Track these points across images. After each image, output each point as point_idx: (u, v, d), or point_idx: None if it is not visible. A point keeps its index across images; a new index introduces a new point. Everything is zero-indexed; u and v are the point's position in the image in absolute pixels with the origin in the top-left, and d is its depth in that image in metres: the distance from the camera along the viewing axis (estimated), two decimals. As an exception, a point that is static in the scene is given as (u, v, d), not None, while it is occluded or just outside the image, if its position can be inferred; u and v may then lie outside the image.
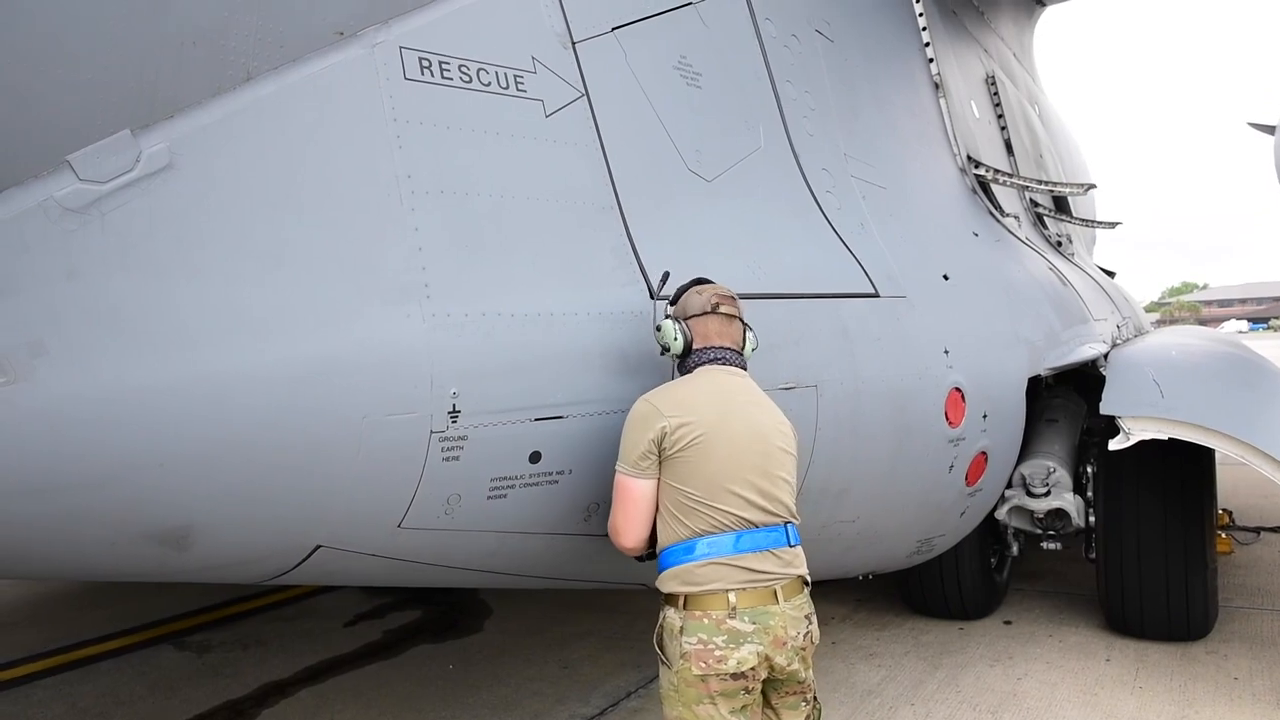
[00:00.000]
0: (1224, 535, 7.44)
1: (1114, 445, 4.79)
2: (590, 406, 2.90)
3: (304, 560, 2.64)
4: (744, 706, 2.73)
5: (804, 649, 2.81)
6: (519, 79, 3.04)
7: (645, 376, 3.05)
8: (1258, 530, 7.84)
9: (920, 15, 6.32)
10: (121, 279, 2.21)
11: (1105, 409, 4.91)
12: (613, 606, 6.33)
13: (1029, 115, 10.20)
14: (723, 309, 2.97)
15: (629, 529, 2.81)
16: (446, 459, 2.62)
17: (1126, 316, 9.53)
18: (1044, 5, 11.64)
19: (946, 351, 4.44)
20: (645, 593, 5.06)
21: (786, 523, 2.83)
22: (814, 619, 2.87)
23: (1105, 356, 5.78)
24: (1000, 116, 8.43)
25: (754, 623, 2.68)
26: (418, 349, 2.55)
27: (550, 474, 2.87)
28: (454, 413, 2.59)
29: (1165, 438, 4.72)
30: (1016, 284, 5.87)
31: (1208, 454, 5.07)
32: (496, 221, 2.84)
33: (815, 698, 2.97)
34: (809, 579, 2.89)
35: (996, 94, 8.47)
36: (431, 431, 2.57)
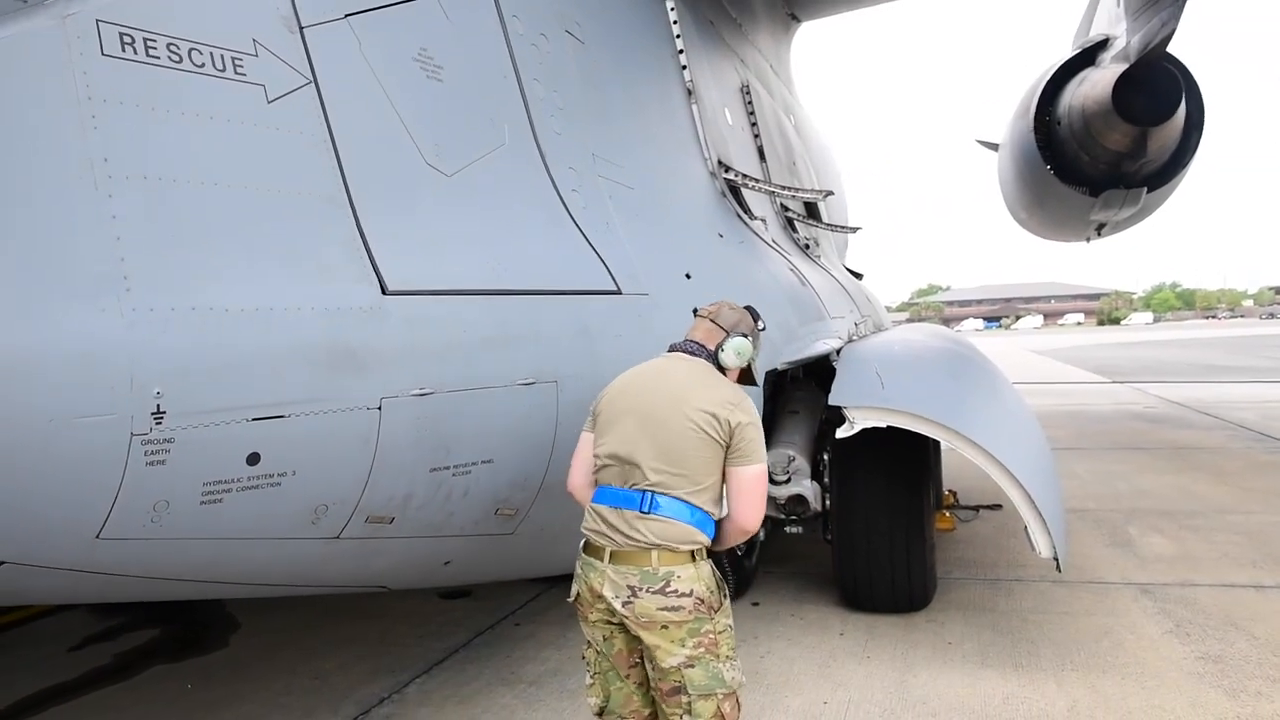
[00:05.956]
0: (948, 514, 8.18)
1: (840, 433, 5.16)
2: (315, 405, 2.80)
3: (-17, 579, 2.41)
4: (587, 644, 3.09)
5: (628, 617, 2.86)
6: (238, 62, 2.90)
7: (376, 373, 2.98)
8: (977, 508, 8.64)
9: (675, 24, 6.55)
10: None
11: (833, 400, 5.28)
12: (366, 612, 6.15)
13: (783, 124, 10.79)
14: (698, 312, 3.36)
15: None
16: (151, 463, 2.46)
17: (866, 315, 10.28)
18: (799, 21, 12.35)
19: (689, 348, 4.61)
20: (392, 595, 4.95)
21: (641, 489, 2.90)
22: (643, 594, 2.82)
23: (839, 352, 6.21)
24: (754, 124, 8.87)
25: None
26: (114, 346, 2.38)
27: (271, 476, 2.75)
28: (158, 414, 2.44)
29: (885, 425, 5.13)
30: (757, 283, 6.19)
31: (927, 440, 5.55)
32: (209, 211, 2.69)
33: None
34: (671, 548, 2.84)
35: (751, 102, 8.90)
36: (132, 434, 2.40)
